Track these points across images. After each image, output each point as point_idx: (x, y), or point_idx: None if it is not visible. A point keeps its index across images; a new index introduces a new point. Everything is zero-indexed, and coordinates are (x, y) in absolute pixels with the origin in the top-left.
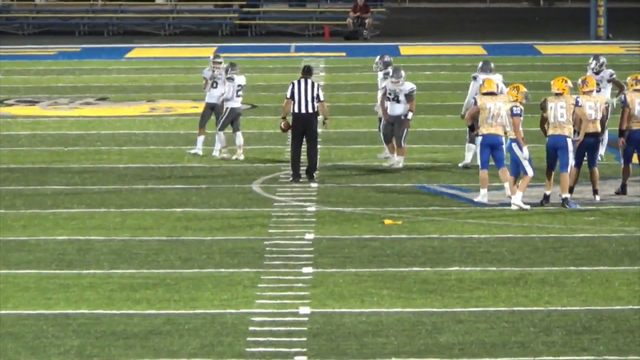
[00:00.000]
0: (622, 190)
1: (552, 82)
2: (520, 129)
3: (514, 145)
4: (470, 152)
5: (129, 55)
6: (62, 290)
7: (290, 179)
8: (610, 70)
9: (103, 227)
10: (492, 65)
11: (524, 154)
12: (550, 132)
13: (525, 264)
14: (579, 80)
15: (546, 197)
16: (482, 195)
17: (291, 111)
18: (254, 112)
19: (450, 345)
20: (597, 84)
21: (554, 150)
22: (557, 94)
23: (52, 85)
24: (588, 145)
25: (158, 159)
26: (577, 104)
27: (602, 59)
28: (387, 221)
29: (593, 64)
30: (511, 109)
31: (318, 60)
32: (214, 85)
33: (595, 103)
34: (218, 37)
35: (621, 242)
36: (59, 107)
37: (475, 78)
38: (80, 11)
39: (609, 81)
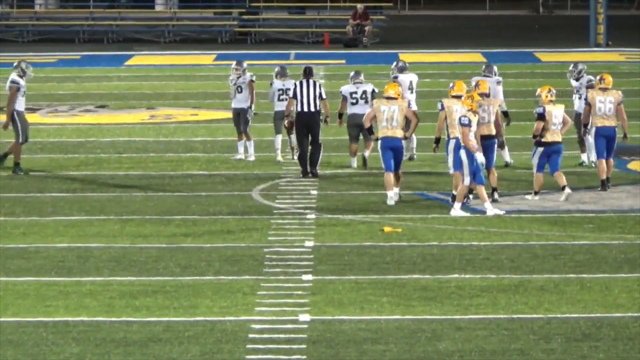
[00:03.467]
0: (603, 187)
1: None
2: (472, 137)
3: (462, 152)
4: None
5: (128, 62)
6: (62, 297)
7: (301, 175)
8: (590, 77)
9: (102, 235)
10: (496, 68)
11: (476, 161)
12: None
13: (524, 271)
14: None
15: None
16: (390, 198)
17: (295, 110)
18: (253, 119)
19: (449, 352)
20: (577, 91)
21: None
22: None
23: (52, 92)
24: (552, 152)
25: (158, 167)
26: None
27: (581, 66)
28: (387, 228)
29: (572, 70)
30: (459, 119)
31: (318, 67)
32: (239, 90)
33: (559, 111)
34: (218, 44)
35: (621, 249)
36: (59, 115)
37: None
38: (80, 19)
39: (587, 87)
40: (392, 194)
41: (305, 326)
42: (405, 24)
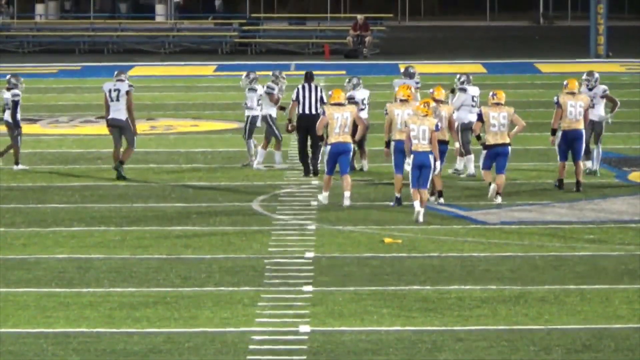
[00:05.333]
0: (559, 186)
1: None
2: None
3: (431, 157)
4: (471, 163)
5: (129, 73)
6: (62, 308)
7: (303, 174)
8: (604, 86)
9: (103, 246)
10: (471, 77)
11: (436, 168)
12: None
13: (525, 282)
14: (490, 94)
15: (399, 201)
16: (323, 198)
17: (296, 113)
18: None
19: None
20: (591, 100)
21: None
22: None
23: (53, 103)
24: (496, 154)
25: (158, 177)
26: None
27: (596, 75)
28: (387, 239)
29: (588, 79)
30: (436, 126)
31: (318, 78)
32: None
33: (499, 114)
34: (218, 55)
35: (621, 260)
36: (60, 126)
37: (464, 90)
38: (81, 29)
39: (602, 97)
40: (327, 195)
41: (306, 337)
42: (405, 34)
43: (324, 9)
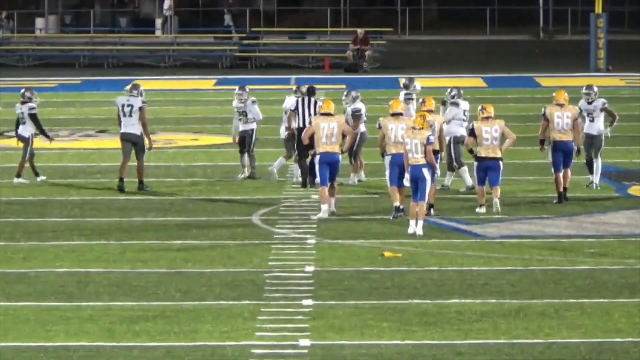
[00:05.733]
0: (559, 200)
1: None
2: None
3: (424, 170)
4: (466, 174)
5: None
6: (62, 322)
7: (301, 186)
8: (603, 100)
9: (103, 260)
10: (461, 91)
11: (434, 177)
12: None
13: (525, 296)
14: (479, 108)
15: (398, 209)
16: (323, 211)
17: (295, 125)
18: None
19: None
20: (590, 114)
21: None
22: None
23: (53, 117)
24: (486, 167)
25: (158, 191)
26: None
27: (596, 88)
28: (387, 253)
29: (588, 93)
30: (427, 138)
31: (318, 92)
32: (244, 114)
33: (492, 127)
34: (218, 69)
35: (621, 274)
36: (60, 139)
37: (456, 104)
38: (81, 43)
39: (601, 110)
40: (326, 207)
41: (306, 351)
42: (405, 49)
43: (324, 23)
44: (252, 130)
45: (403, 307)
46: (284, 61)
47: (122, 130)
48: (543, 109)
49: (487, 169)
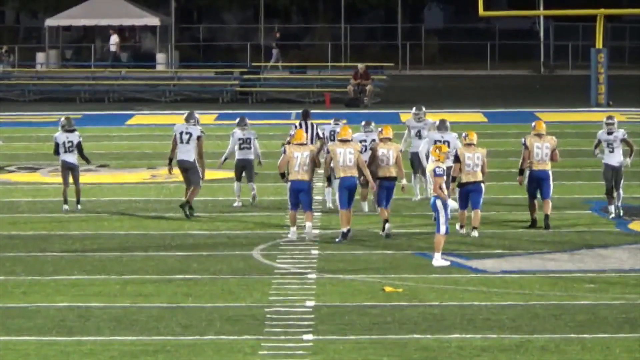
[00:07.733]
0: (532, 224)
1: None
2: (444, 187)
3: (438, 202)
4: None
5: (129, 122)
6: (63, 357)
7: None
8: (623, 130)
9: (103, 294)
10: (448, 123)
11: (448, 209)
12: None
13: (525, 331)
14: (463, 134)
15: (344, 235)
16: (292, 233)
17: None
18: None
19: None
20: (610, 144)
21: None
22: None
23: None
24: (468, 192)
25: (159, 226)
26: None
27: (615, 119)
28: (388, 288)
29: (610, 123)
30: (434, 170)
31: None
32: (247, 142)
33: (474, 154)
34: (219, 104)
35: (622, 309)
36: (60, 174)
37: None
38: (81, 78)
39: (622, 141)
40: (295, 230)
41: None
42: (406, 83)
43: (325, 57)
44: (252, 160)
45: (404, 342)
46: (284, 96)
47: (178, 158)
48: (523, 139)
49: (469, 192)
